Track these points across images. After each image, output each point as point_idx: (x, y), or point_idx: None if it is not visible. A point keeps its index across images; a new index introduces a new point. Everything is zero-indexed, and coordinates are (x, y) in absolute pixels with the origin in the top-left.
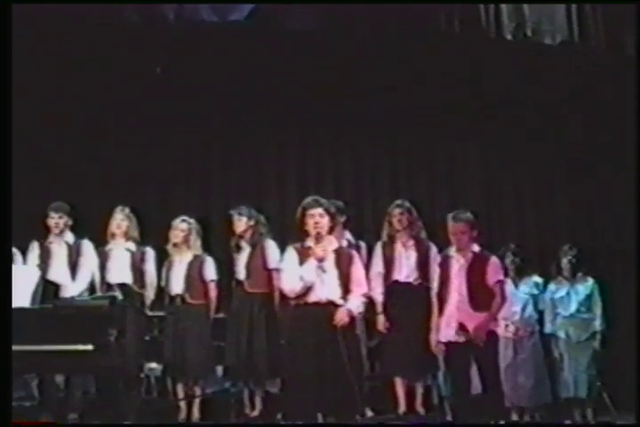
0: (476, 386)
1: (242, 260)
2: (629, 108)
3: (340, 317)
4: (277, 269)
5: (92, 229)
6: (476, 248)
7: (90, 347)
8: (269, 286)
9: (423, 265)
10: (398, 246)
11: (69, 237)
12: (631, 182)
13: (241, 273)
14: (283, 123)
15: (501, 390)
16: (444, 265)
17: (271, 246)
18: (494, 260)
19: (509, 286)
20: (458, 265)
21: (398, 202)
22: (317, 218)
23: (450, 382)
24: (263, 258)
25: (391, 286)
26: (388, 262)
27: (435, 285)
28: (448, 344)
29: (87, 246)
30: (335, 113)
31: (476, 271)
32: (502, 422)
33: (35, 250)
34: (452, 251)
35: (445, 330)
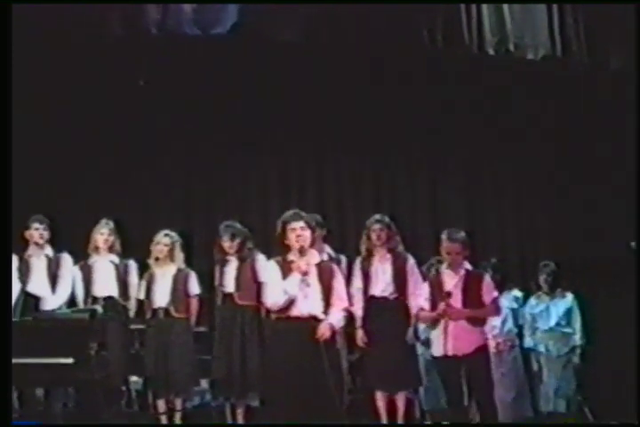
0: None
1: (229, 273)
2: (613, 123)
3: (322, 331)
4: None
5: (71, 241)
6: (467, 265)
7: (70, 360)
8: (259, 298)
9: (399, 279)
10: (375, 261)
11: (48, 250)
12: (613, 196)
13: (229, 286)
14: (265, 136)
15: (494, 404)
16: (436, 281)
17: (261, 260)
18: (488, 278)
19: (510, 300)
20: (452, 282)
21: (377, 217)
22: (299, 231)
23: (444, 395)
24: (253, 271)
25: (369, 301)
26: (366, 277)
27: (422, 302)
28: (440, 358)
29: (66, 259)
30: (318, 126)
31: (470, 288)
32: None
33: (14, 263)
34: (444, 268)
35: (439, 345)
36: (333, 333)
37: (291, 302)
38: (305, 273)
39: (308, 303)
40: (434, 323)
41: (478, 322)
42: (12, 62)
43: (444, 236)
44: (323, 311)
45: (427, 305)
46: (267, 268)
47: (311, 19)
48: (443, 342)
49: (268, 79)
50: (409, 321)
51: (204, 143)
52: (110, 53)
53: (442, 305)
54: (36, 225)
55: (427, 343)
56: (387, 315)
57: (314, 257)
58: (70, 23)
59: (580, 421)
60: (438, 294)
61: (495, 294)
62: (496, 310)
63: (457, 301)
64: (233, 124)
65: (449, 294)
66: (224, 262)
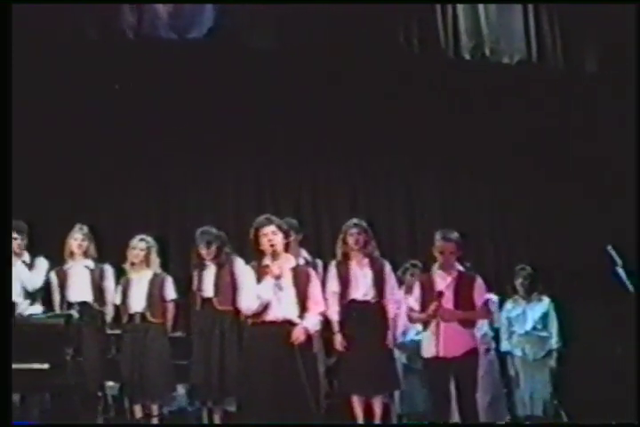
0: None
1: (208, 277)
2: (589, 127)
3: (297, 335)
4: None
5: (48, 246)
6: (460, 267)
7: (46, 366)
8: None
9: (379, 283)
10: (353, 265)
11: (26, 256)
12: (590, 200)
13: (208, 291)
14: (240, 140)
15: (476, 408)
16: (428, 283)
17: (239, 264)
18: (480, 280)
19: (494, 304)
20: (444, 283)
21: (355, 221)
22: (271, 236)
23: (421, 399)
24: (232, 276)
25: (349, 305)
26: (344, 281)
27: (412, 302)
28: (430, 360)
29: (42, 264)
30: (293, 131)
31: (463, 290)
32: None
33: None
34: (436, 268)
35: (430, 346)
36: (309, 337)
37: (265, 307)
38: (277, 277)
39: (282, 307)
40: (425, 324)
41: (469, 324)
42: (12, 62)
43: (437, 235)
44: (298, 315)
45: (417, 306)
46: (244, 272)
47: (287, 23)
48: (434, 342)
49: (243, 83)
50: (388, 325)
51: (179, 147)
52: (85, 57)
53: (433, 305)
54: (14, 235)
55: (402, 347)
56: (367, 319)
57: (288, 261)
58: (45, 26)
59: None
60: (429, 294)
61: (486, 296)
62: (487, 312)
63: (448, 302)
64: (208, 128)
65: (441, 294)
66: (202, 267)
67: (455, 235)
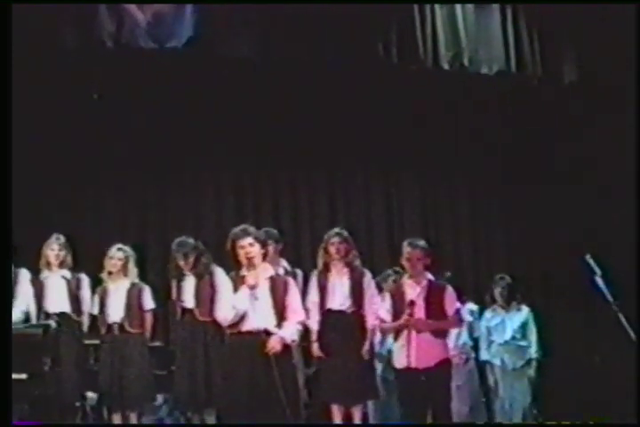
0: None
1: (188, 288)
2: (568, 137)
3: (272, 344)
4: None
5: (23, 256)
6: (429, 276)
7: (24, 376)
8: None
9: (357, 293)
10: (333, 274)
11: None
12: (568, 210)
13: (188, 301)
14: (220, 150)
15: (451, 418)
16: (398, 293)
17: (219, 275)
18: (450, 289)
19: (465, 313)
20: (414, 293)
21: (337, 230)
22: (248, 248)
23: (397, 408)
24: (212, 287)
25: (325, 315)
26: (322, 291)
27: (384, 314)
28: (403, 370)
29: (24, 276)
30: (272, 140)
31: (433, 299)
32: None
33: None
34: (406, 278)
35: (402, 356)
36: (287, 346)
37: (242, 317)
38: (253, 287)
39: (258, 317)
40: (396, 334)
41: (441, 334)
42: (11, 62)
43: (405, 243)
44: (276, 325)
45: (388, 317)
46: (223, 283)
47: (266, 33)
48: (406, 353)
49: (223, 93)
50: (366, 335)
51: (158, 156)
52: (64, 66)
53: (406, 314)
54: None
55: (381, 357)
56: (344, 328)
57: (266, 271)
58: (25, 36)
59: None
60: (400, 305)
61: (457, 305)
62: (459, 321)
63: (420, 311)
64: (187, 138)
65: (412, 303)
66: (181, 277)
67: (422, 242)
